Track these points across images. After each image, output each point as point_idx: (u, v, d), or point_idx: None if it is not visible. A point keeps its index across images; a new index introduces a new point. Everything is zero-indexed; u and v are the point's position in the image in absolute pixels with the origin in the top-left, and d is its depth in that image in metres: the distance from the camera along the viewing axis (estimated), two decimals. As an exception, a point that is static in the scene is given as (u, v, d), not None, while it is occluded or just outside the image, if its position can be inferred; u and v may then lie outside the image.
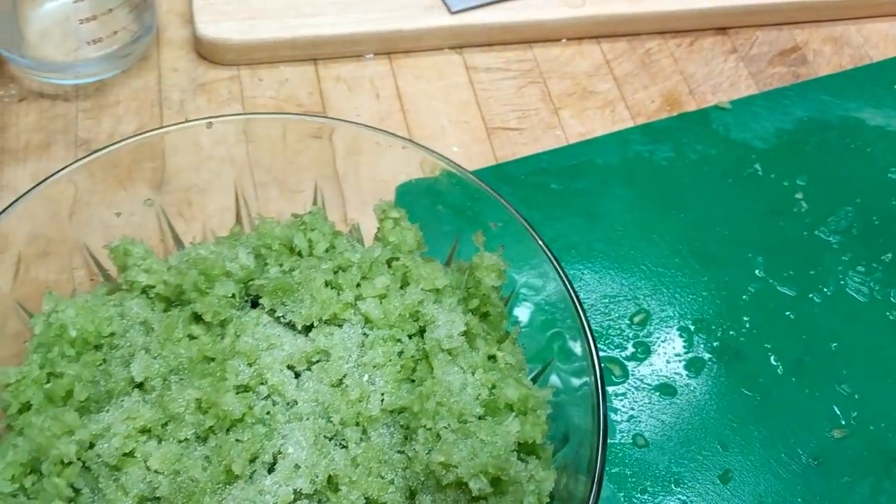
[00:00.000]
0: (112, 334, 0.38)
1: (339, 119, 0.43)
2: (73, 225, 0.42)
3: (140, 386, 0.35)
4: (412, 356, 0.36)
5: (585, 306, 0.47)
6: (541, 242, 0.38)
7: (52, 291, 0.38)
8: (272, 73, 0.57)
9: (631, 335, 0.47)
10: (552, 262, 0.38)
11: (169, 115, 0.55)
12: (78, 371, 0.36)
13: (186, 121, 0.42)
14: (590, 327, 0.36)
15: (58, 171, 0.40)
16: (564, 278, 0.37)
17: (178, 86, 0.56)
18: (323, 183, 0.46)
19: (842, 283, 0.50)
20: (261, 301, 0.38)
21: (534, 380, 0.40)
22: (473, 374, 0.36)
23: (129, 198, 0.44)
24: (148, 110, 0.55)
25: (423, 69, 0.59)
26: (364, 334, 0.37)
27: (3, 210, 0.38)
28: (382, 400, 0.35)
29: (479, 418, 0.35)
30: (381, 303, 0.37)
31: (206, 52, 0.57)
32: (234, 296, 0.37)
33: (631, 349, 0.46)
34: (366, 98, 0.57)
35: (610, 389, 0.45)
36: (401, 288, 0.38)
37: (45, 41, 0.53)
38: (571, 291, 0.37)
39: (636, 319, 0.47)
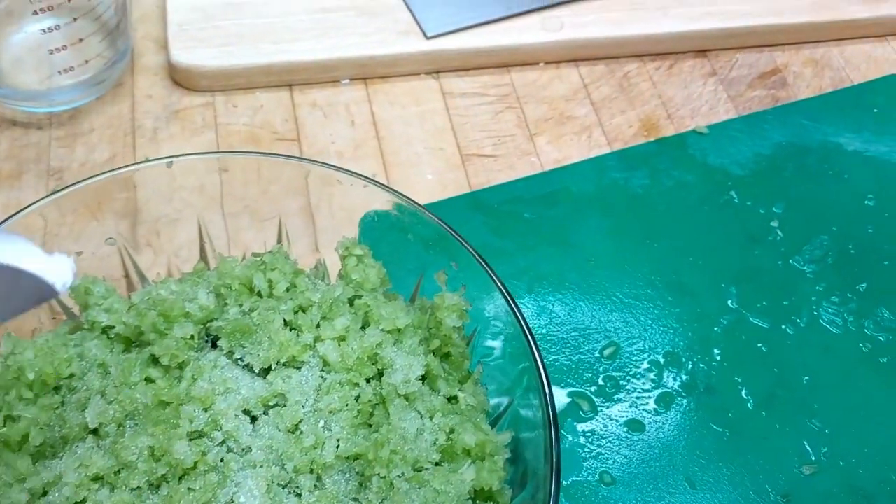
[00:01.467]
0: (71, 375, 0.37)
1: (301, 158, 0.42)
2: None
3: (95, 432, 0.35)
4: (369, 400, 0.36)
5: (556, 340, 0.47)
6: (498, 283, 0.38)
7: (11, 332, 0.38)
8: (247, 100, 0.57)
9: (601, 369, 0.47)
10: (509, 304, 0.37)
11: (142, 143, 0.54)
12: (35, 414, 0.36)
13: (147, 159, 0.42)
14: (545, 370, 0.35)
15: (25, 208, 0.40)
16: (521, 319, 0.37)
17: (151, 113, 0.56)
18: (295, 213, 0.46)
19: (815, 313, 0.50)
20: (219, 342, 0.37)
21: (498, 418, 0.39)
22: (431, 418, 0.36)
23: (99, 228, 0.44)
24: (121, 139, 0.54)
25: (398, 95, 0.58)
26: (322, 377, 0.37)
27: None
28: (338, 447, 0.34)
29: (436, 464, 0.34)
30: (339, 345, 0.37)
31: (180, 78, 0.57)
32: (192, 337, 0.37)
33: (600, 383, 0.46)
34: (341, 124, 0.57)
35: (578, 426, 0.44)
36: (361, 328, 0.38)
37: (18, 69, 0.53)
38: (527, 332, 0.37)
39: (606, 353, 0.47)
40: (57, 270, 0.28)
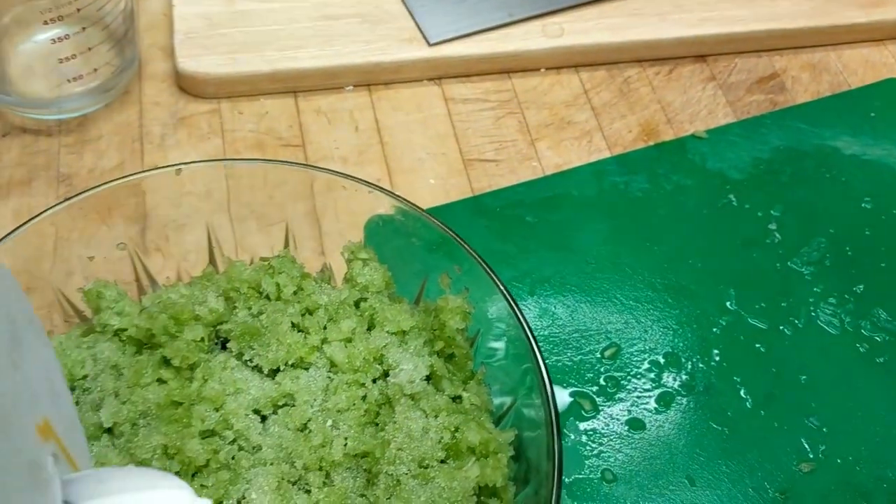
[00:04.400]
0: (85, 377, 0.38)
1: (305, 165, 0.43)
2: (54, 265, 0.43)
3: (109, 431, 0.36)
4: (375, 400, 0.37)
5: (557, 341, 0.48)
6: (500, 285, 0.39)
7: (26, 335, 0.39)
8: (252, 106, 0.58)
9: (602, 370, 0.47)
10: (511, 305, 0.38)
11: (149, 149, 0.55)
12: (50, 414, 0.37)
13: (156, 167, 0.43)
14: (546, 370, 0.36)
15: (37, 216, 0.40)
16: (522, 321, 0.38)
17: (159, 119, 0.57)
18: (300, 217, 0.47)
19: (813, 314, 0.50)
20: (228, 345, 0.38)
21: (501, 417, 0.40)
22: (436, 417, 0.36)
23: (109, 233, 0.45)
24: (129, 145, 0.55)
25: (401, 101, 0.59)
26: (329, 377, 0.37)
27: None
28: (345, 444, 0.35)
29: (441, 462, 0.35)
30: (346, 346, 0.38)
31: (186, 85, 0.58)
32: (202, 339, 0.38)
33: (601, 383, 0.47)
34: (345, 131, 0.58)
35: (580, 424, 0.45)
36: (367, 330, 0.39)
37: (28, 77, 0.54)
38: (528, 333, 0.37)
39: (607, 353, 0.48)
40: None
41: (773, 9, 0.64)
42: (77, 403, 0.38)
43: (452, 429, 0.36)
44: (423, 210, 0.41)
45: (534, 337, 0.37)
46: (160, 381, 0.37)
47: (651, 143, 0.59)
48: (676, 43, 0.63)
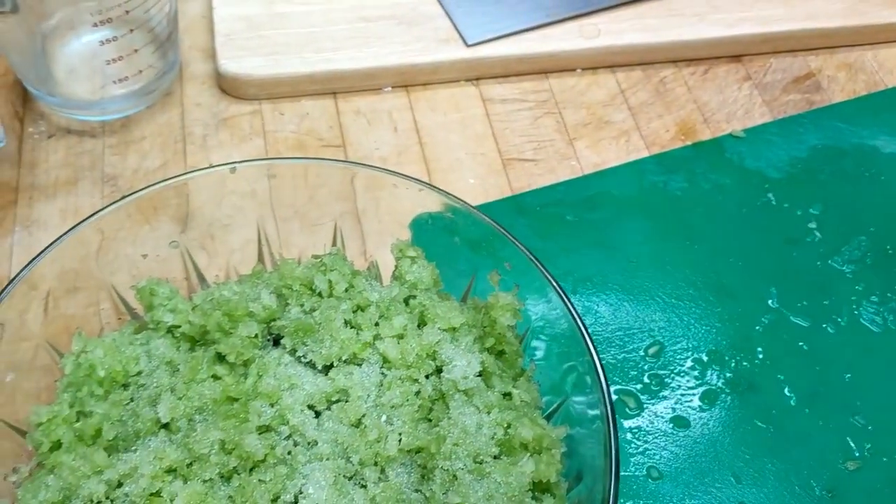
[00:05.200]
0: (139, 373, 0.39)
1: (358, 164, 0.44)
2: (100, 264, 0.44)
3: (166, 426, 0.36)
4: (429, 396, 0.37)
5: (601, 339, 0.48)
6: (552, 281, 0.39)
7: (82, 332, 0.40)
8: (293, 108, 0.59)
9: (646, 367, 0.47)
10: (564, 302, 0.38)
11: (192, 150, 0.56)
12: (106, 410, 0.37)
13: (210, 166, 0.43)
14: (602, 367, 0.36)
15: (86, 219, 0.41)
16: (577, 318, 0.38)
17: (200, 120, 0.58)
18: (343, 217, 0.47)
19: (856, 313, 0.50)
20: (282, 341, 0.39)
21: (550, 416, 0.40)
22: (489, 413, 0.37)
23: (153, 234, 0.45)
24: (171, 146, 0.56)
25: (439, 101, 0.60)
26: (382, 373, 0.38)
27: (34, 259, 0.39)
28: (400, 440, 0.36)
29: (495, 458, 0.36)
30: (398, 343, 0.38)
31: (228, 87, 0.58)
32: (256, 336, 0.38)
33: (645, 381, 0.47)
34: (384, 131, 0.58)
35: (625, 422, 0.45)
36: (418, 327, 0.39)
37: (73, 79, 0.55)
38: (583, 330, 0.38)
39: (651, 351, 0.48)
40: None
41: (808, 8, 0.64)
42: (132, 399, 0.38)
43: (505, 425, 0.36)
44: (472, 206, 0.42)
45: (588, 333, 0.37)
46: (215, 377, 0.38)
47: (688, 142, 0.59)
48: (713, 43, 0.63)
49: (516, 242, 0.40)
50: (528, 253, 0.40)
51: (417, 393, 0.37)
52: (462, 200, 0.42)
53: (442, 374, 0.37)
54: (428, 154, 0.57)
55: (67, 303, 0.43)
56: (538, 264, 0.39)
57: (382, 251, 0.46)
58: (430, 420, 0.37)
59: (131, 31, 0.52)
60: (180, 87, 0.59)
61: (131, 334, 0.41)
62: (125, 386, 0.39)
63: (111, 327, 0.43)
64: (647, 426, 0.45)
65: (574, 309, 0.38)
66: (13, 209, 0.52)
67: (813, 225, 0.54)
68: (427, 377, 0.38)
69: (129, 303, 0.43)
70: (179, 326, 0.40)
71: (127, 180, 0.54)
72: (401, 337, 0.38)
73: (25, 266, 0.39)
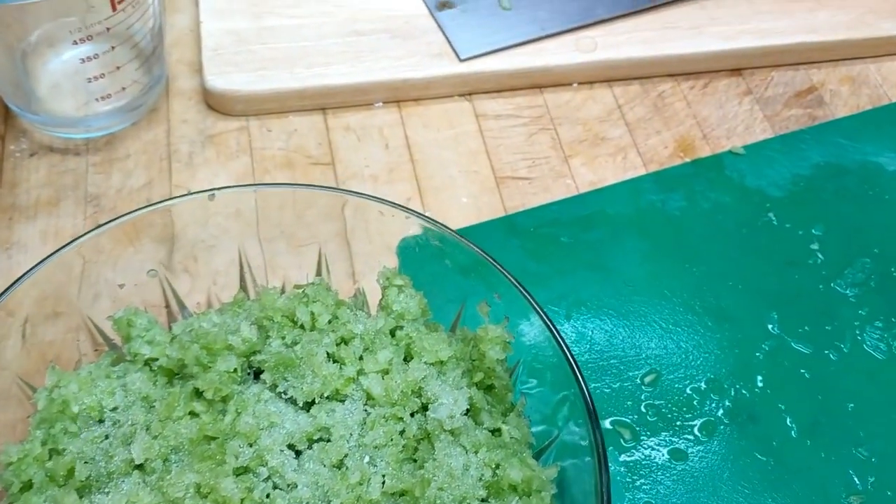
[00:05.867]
0: (115, 408, 0.37)
1: (345, 191, 0.42)
2: (80, 290, 0.42)
3: (140, 467, 0.35)
4: (414, 435, 0.36)
5: (595, 367, 0.47)
6: (540, 311, 0.37)
7: (56, 365, 0.38)
8: (281, 124, 0.57)
9: (642, 397, 0.46)
10: (552, 332, 0.37)
11: (177, 167, 0.55)
12: (80, 448, 0.36)
13: (190, 192, 0.42)
14: (591, 399, 0.35)
15: (66, 245, 0.40)
16: (565, 348, 0.37)
17: (186, 137, 0.56)
18: (331, 238, 0.46)
19: (859, 339, 0.49)
20: (262, 375, 0.37)
21: (542, 451, 0.39)
22: (476, 453, 0.35)
23: (137, 255, 0.44)
24: (157, 164, 0.55)
25: (432, 117, 0.58)
26: (366, 411, 0.36)
27: (11, 286, 0.38)
28: (383, 483, 0.34)
29: (482, 501, 0.34)
30: (383, 378, 0.37)
31: (214, 103, 0.57)
32: (235, 370, 0.37)
33: (641, 411, 0.46)
34: (375, 148, 0.57)
35: (620, 455, 0.44)
36: (404, 360, 0.38)
37: (56, 96, 0.53)
38: (572, 361, 0.36)
39: (647, 380, 0.47)
40: None
41: (810, 21, 0.63)
42: (107, 437, 0.37)
43: (493, 465, 0.35)
44: (459, 235, 0.40)
45: (577, 365, 0.36)
46: (192, 413, 0.36)
47: (687, 159, 0.58)
48: (712, 57, 0.61)
49: (504, 272, 0.39)
50: (516, 284, 0.38)
51: (402, 432, 0.36)
52: (449, 228, 0.40)
53: (428, 413, 0.36)
54: (419, 172, 0.56)
55: (46, 329, 0.42)
56: (526, 294, 0.38)
57: (371, 273, 0.45)
58: (415, 460, 0.35)
59: (113, 47, 0.50)
60: (166, 102, 0.58)
61: (108, 366, 0.39)
62: (100, 421, 0.37)
63: (88, 359, 0.42)
64: (644, 459, 0.44)
65: (561, 338, 0.37)
66: (-8, 231, 0.51)
67: (815, 246, 0.53)
68: (412, 415, 0.36)
69: (106, 333, 0.42)
70: (157, 359, 0.38)
71: (110, 200, 0.53)
72: (385, 372, 0.37)
73: (2, 293, 0.38)
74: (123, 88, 0.53)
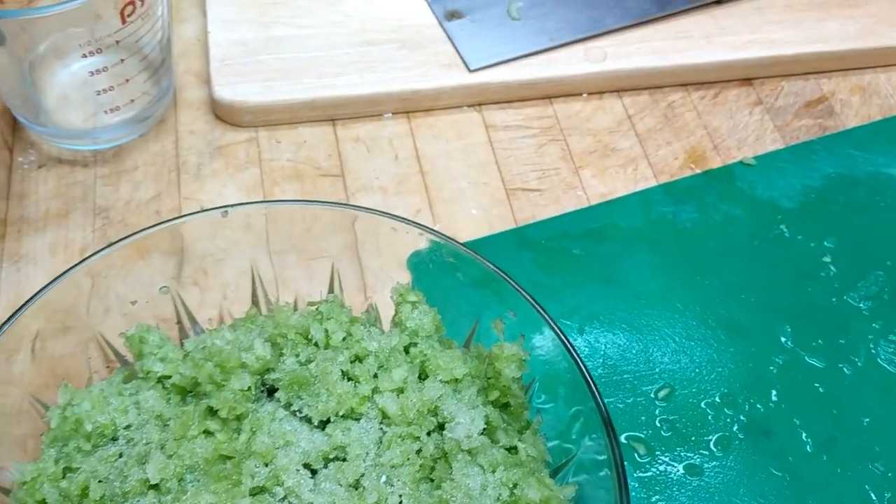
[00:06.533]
0: (128, 426, 0.37)
1: (355, 207, 0.42)
2: (90, 305, 0.42)
3: (155, 487, 0.35)
4: (431, 455, 0.35)
5: (609, 383, 0.46)
6: (554, 325, 0.37)
7: (68, 383, 0.38)
8: (290, 135, 0.57)
9: (656, 412, 0.46)
10: (567, 348, 0.37)
11: (186, 179, 0.54)
12: (93, 467, 0.36)
13: (202, 210, 0.42)
14: (608, 415, 0.35)
15: (76, 265, 0.39)
16: (580, 364, 0.36)
17: (195, 149, 0.56)
18: (342, 251, 0.46)
19: (873, 352, 0.49)
20: (276, 394, 0.37)
21: (559, 469, 0.39)
22: (493, 472, 0.35)
23: (147, 268, 0.44)
24: (165, 176, 0.54)
25: (442, 128, 0.58)
26: (381, 430, 0.36)
27: (22, 306, 0.38)
28: (401, 503, 0.34)
29: (500, 521, 0.34)
30: (398, 397, 0.36)
31: (223, 114, 0.57)
32: (249, 388, 0.37)
33: (656, 426, 0.45)
34: (384, 159, 0.56)
35: (635, 470, 0.44)
36: (419, 378, 0.38)
37: (64, 107, 0.53)
38: (588, 377, 0.36)
39: (661, 395, 0.46)
40: None
41: (820, 30, 0.63)
42: (121, 455, 0.36)
43: (511, 485, 0.35)
44: (472, 250, 0.40)
45: (593, 380, 0.36)
46: (206, 432, 0.36)
47: (698, 170, 0.57)
48: (722, 66, 0.61)
49: (517, 288, 0.38)
50: (530, 299, 0.38)
51: (419, 451, 0.35)
52: (461, 244, 0.40)
53: (444, 432, 0.35)
54: (429, 183, 0.55)
55: (56, 345, 0.41)
56: (540, 310, 0.38)
57: (382, 286, 0.44)
58: (432, 480, 0.35)
59: (122, 60, 0.50)
60: (175, 113, 0.57)
61: (120, 383, 0.39)
62: (114, 439, 0.37)
63: (100, 375, 0.42)
64: (659, 474, 0.44)
65: (576, 353, 0.36)
66: (1, 243, 0.51)
67: (827, 258, 0.52)
68: (429, 434, 0.36)
69: (117, 350, 0.41)
70: (170, 377, 0.38)
71: (119, 212, 0.53)
72: (401, 391, 0.37)
73: (13, 314, 0.38)
74: (132, 100, 0.53)
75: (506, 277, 0.39)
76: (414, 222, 0.41)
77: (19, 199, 0.53)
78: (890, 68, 0.64)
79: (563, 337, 0.37)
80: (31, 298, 0.39)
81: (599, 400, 0.36)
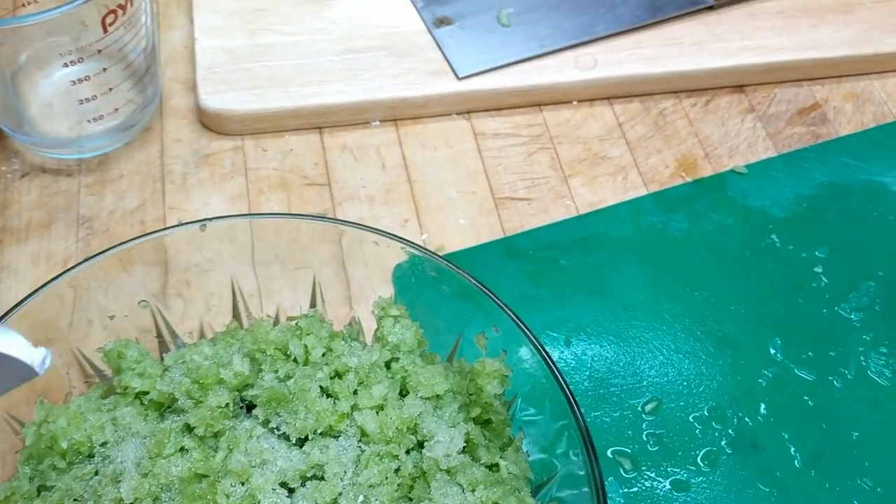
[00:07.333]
0: (104, 443, 0.37)
1: (339, 221, 0.42)
2: (69, 320, 0.41)
3: (130, 507, 0.34)
4: (409, 474, 0.35)
5: (595, 396, 0.46)
6: (535, 341, 0.37)
7: (45, 400, 0.37)
8: (276, 143, 0.56)
9: (643, 426, 0.45)
10: (547, 363, 0.36)
11: (171, 189, 0.54)
12: (68, 484, 0.35)
13: (181, 223, 0.41)
14: (587, 431, 0.34)
15: (57, 276, 0.39)
16: (560, 379, 0.36)
17: (180, 157, 0.55)
18: (326, 262, 0.45)
19: (863, 365, 0.48)
20: (254, 410, 0.36)
21: (542, 485, 0.38)
22: (474, 491, 0.34)
23: (129, 280, 0.43)
24: (150, 185, 0.54)
25: (429, 136, 0.57)
26: (360, 448, 0.36)
27: (3, 316, 0.37)
28: (378, 523, 0.33)
29: (479, 541, 0.33)
30: (377, 414, 0.36)
31: (209, 122, 0.56)
32: (227, 405, 0.36)
33: (643, 440, 0.45)
34: (372, 168, 0.56)
35: (620, 488, 0.43)
36: (400, 394, 0.37)
37: (47, 116, 0.52)
38: (568, 393, 0.36)
39: (648, 408, 0.46)
40: (36, 354, 0.34)
41: (812, 37, 0.62)
42: (96, 473, 0.36)
43: (491, 504, 0.34)
44: (456, 265, 0.39)
45: (572, 394, 0.35)
46: (183, 450, 0.35)
47: (689, 179, 0.57)
48: (713, 73, 0.60)
49: (499, 303, 0.38)
50: (511, 314, 0.37)
51: (397, 470, 0.35)
52: (444, 259, 0.40)
53: (423, 451, 0.35)
54: (417, 192, 0.55)
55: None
56: (521, 325, 0.37)
57: (366, 299, 0.44)
58: (410, 499, 0.35)
59: (105, 69, 0.49)
60: (160, 121, 0.57)
61: (98, 398, 0.39)
62: (90, 456, 0.37)
63: (78, 390, 0.41)
64: (644, 490, 0.43)
65: (557, 369, 0.36)
66: (-17, 254, 0.50)
67: (819, 269, 0.52)
68: (408, 452, 0.35)
69: (96, 364, 0.41)
70: (148, 393, 0.37)
71: (103, 222, 0.52)
72: (380, 408, 0.36)
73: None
74: (116, 109, 0.52)
75: (488, 293, 0.39)
76: (396, 236, 0.40)
77: (2, 208, 0.52)
78: (884, 75, 0.63)
79: (543, 352, 0.37)
80: (12, 309, 0.38)
81: (579, 414, 0.35)
